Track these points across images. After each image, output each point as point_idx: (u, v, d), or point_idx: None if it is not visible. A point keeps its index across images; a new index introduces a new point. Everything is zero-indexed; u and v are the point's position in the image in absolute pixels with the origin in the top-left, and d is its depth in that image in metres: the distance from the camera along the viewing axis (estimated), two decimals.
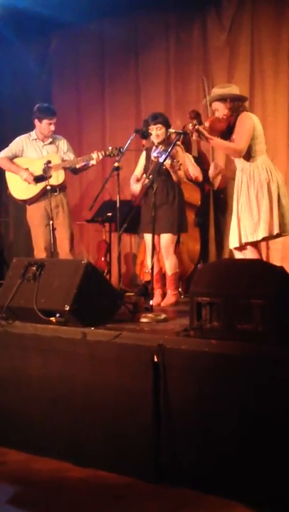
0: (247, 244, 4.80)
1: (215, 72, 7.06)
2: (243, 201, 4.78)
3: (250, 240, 4.76)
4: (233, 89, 4.97)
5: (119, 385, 3.69)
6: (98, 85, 8.15)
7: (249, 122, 4.77)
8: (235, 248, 4.90)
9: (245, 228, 4.76)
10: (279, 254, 6.62)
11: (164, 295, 5.79)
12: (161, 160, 5.24)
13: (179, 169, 5.49)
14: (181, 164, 5.47)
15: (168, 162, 5.31)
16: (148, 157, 5.71)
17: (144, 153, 5.84)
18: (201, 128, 4.79)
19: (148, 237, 5.63)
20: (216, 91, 5.00)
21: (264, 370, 3.21)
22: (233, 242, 4.88)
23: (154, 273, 5.72)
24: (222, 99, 4.86)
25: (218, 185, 6.78)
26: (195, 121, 6.64)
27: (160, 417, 3.53)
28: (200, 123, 6.65)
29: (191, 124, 6.68)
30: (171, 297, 5.70)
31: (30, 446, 4.04)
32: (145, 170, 5.74)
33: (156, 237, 5.59)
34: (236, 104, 4.86)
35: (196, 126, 4.79)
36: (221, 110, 4.87)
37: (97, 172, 7.82)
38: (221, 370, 3.34)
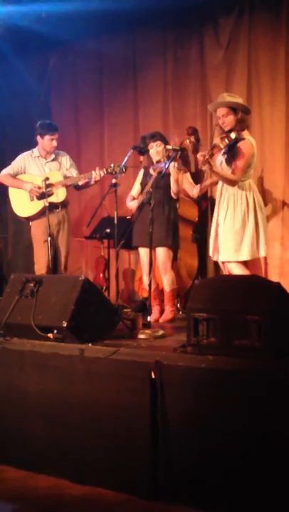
0: (226, 262, 4.91)
1: (212, 89, 7.10)
2: (226, 221, 4.87)
3: (232, 259, 4.85)
4: (244, 103, 5.03)
5: (117, 401, 3.69)
6: (97, 102, 8.19)
7: (251, 152, 4.85)
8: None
9: (226, 248, 4.84)
10: (277, 270, 6.63)
11: (162, 311, 5.79)
12: (164, 169, 5.28)
13: (185, 171, 5.51)
14: (185, 171, 5.53)
15: (173, 165, 5.35)
16: (145, 176, 5.73)
17: (141, 172, 5.87)
18: (209, 159, 4.77)
19: (142, 251, 5.66)
20: (229, 98, 5.00)
21: (261, 386, 3.21)
22: (217, 255, 5.01)
23: (152, 289, 5.74)
24: (234, 109, 4.88)
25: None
26: (192, 138, 6.73)
27: (158, 433, 3.53)
28: (197, 139, 6.73)
29: (188, 140, 6.75)
30: (168, 313, 5.69)
31: (27, 463, 4.03)
32: (142, 188, 5.78)
33: (153, 251, 5.64)
34: (245, 119, 4.90)
35: (206, 158, 4.73)
36: (229, 120, 4.89)
37: (96, 189, 7.83)
38: (218, 386, 3.35)
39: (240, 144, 4.84)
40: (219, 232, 4.94)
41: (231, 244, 4.83)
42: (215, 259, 5.11)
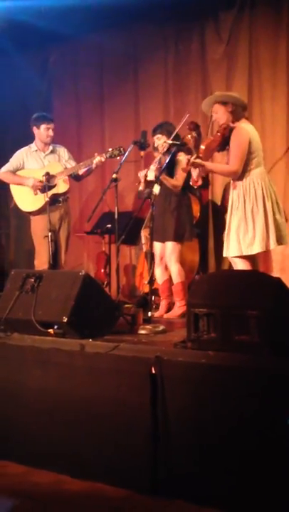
0: (242, 257, 4.84)
1: (213, 83, 7.08)
2: (238, 215, 4.82)
3: (245, 253, 4.80)
4: (236, 95, 4.99)
5: (117, 396, 3.69)
6: (97, 97, 8.18)
7: (243, 139, 4.77)
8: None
9: (240, 242, 4.79)
10: (278, 265, 6.62)
11: (168, 306, 5.79)
12: (150, 173, 5.42)
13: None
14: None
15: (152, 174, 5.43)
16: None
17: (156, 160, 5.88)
18: (194, 160, 4.84)
19: (155, 244, 5.68)
20: (217, 94, 5.00)
21: (261, 381, 3.20)
22: (227, 251, 4.95)
23: (162, 282, 5.74)
24: (223, 102, 4.86)
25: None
26: (194, 133, 6.71)
27: (158, 428, 3.53)
28: (199, 134, 6.69)
29: (190, 136, 6.74)
30: (178, 309, 5.67)
31: (28, 459, 4.03)
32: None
33: (162, 245, 5.68)
34: (237, 110, 4.88)
35: (191, 161, 4.85)
36: (221, 113, 4.88)
37: (96, 183, 7.85)
38: (218, 381, 3.34)
39: (232, 133, 4.83)
40: (231, 228, 4.91)
41: (245, 238, 4.78)
42: (225, 255, 5.06)
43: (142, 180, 5.78)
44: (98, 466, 3.75)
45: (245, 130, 4.80)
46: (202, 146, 4.93)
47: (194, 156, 4.87)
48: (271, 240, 4.74)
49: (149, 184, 5.84)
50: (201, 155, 4.87)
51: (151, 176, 5.75)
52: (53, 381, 3.98)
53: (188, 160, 4.87)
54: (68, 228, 6.26)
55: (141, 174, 5.80)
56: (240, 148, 4.75)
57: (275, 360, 3.23)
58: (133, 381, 3.63)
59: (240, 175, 4.80)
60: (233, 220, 4.86)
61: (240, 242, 4.80)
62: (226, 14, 7.01)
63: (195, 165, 4.88)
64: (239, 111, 4.89)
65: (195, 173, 5.10)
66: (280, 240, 4.79)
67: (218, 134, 4.87)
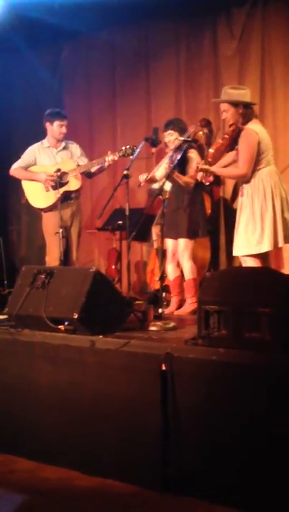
0: (250, 255, 4.83)
1: (225, 80, 7.05)
2: (247, 213, 4.81)
3: (254, 252, 4.79)
4: (247, 94, 4.94)
5: (127, 393, 3.70)
6: (109, 94, 8.18)
7: (252, 141, 4.73)
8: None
9: (249, 240, 4.78)
10: None
11: (179, 302, 5.78)
12: (161, 171, 5.35)
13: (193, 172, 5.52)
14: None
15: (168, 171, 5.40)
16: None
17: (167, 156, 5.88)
18: (203, 167, 4.87)
19: (167, 241, 5.68)
20: (230, 92, 4.93)
21: (272, 379, 3.19)
22: (236, 250, 4.94)
23: (173, 278, 5.74)
24: (235, 104, 4.84)
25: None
26: (206, 129, 6.70)
27: (168, 425, 3.53)
28: (210, 131, 6.71)
29: (201, 132, 6.73)
30: (188, 305, 5.66)
31: (38, 455, 4.05)
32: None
33: (175, 242, 5.68)
34: (248, 111, 4.86)
35: (199, 167, 4.89)
36: (231, 113, 4.85)
37: (108, 180, 7.84)
38: (228, 378, 3.34)
39: (241, 136, 4.81)
40: (240, 226, 4.90)
41: (254, 236, 4.77)
42: (235, 254, 5.05)
43: (142, 183, 5.78)
44: (108, 463, 3.75)
45: (254, 132, 4.77)
46: (211, 150, 4.94)
47: (202, 162, 4.89)
48: (280, 238, 4.74)
49: (152, 181, 5.85)
50: (209, 159, 4.88)
51: (161, 174, 5.75)
52: (63, 377, 3.99)
53: (197, 167, 4.89)
54: (80, 225, 6.26)
55: (142, 178, 5.79)
56: (248, 152, 4.74)
57: (286, 358, 3.21)
58: (143, 378, 3.63)
59: (251, 173, 4.79)
60: (242, 218, 4.86)
61: (248, 241, 4.79)
62: (239, 10, 6.99)
63: (204, 171, 4.89)
64: (250, 112, 4.87)
65: (200, 175, 5.10)
66: (287, 238, 4.78)
67: (226, 136, 4.86)
